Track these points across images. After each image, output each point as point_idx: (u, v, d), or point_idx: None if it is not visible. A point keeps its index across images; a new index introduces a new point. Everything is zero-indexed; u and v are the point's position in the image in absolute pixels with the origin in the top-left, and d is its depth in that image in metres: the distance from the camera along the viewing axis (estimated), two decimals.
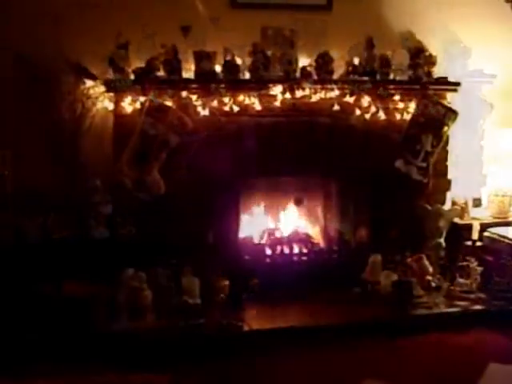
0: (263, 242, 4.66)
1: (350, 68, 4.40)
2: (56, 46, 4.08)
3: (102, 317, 3.77)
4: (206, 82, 4.16)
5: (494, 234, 4.52)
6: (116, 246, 4.02)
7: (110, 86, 4.02)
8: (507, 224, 4.69)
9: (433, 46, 4.61)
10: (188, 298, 3.94)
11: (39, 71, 4.03)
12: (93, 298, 3.76)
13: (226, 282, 4.15)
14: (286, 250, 4.62)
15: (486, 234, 4.58)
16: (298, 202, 4.72)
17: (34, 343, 3.55)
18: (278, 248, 4.60)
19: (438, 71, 4.58)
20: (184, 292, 3.97)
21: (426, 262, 4.41)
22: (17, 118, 4.10)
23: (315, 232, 4.87)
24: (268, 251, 4.58)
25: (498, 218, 4.82)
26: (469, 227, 4.65)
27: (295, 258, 4.61)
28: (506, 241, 4.40)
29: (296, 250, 4.63)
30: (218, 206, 4.30)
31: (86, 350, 3.56)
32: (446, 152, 4.67)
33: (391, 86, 4.47)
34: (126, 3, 4.25)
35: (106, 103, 4.20)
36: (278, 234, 4.71)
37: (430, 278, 4.35)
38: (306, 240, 4.72)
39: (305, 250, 4.64)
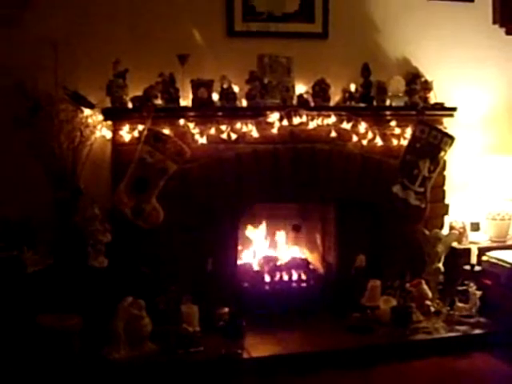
0: (262, 268, 4.64)
1: (347, 95, 4.44)
2: (55, 74, 4.09)
3: (99, 345, 3.76)
4: (203, 110, 4.19)
5: (493, 257, 4.52)
6: (115, 274, 4.02)
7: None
8: (505, 248, 4.69)
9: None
10: (187, 325, 3.93)
11: (38, 99, 4.03)
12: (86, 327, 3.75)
13: (226, 310, 4.15)
14: (285, 277, 4.60)
15: (484, 257, 4.57)
16: (297, 229, 4.73)
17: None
18: (277, 274, 4.59)
19: None
20: (183, 320, 3.95)
21: (425, 287, 4.39)
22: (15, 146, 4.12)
23: (314, 258, 4.87)
24: (267, 278, 4.56)
25: (496, 241, 4.83)
26: (467, 251, 4.67)
27: (294, 285, 4.59)
28: (505, 264, 4.40)
29: (295, 276, 4.61)
30: (216, 233, 4.30)
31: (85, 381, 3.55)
32: (443, 177, 4.69)
33: (387, 112, 4.52)
34: (124, 32, 4.29)
35: (104, 132, 4.21)
36: (276, 261, 4.70)
37: (429, 302, 4.33)
38: (304, 266, 4.72)
39: (304, 277, 4.62)
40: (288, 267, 4.66)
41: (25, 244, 3.94)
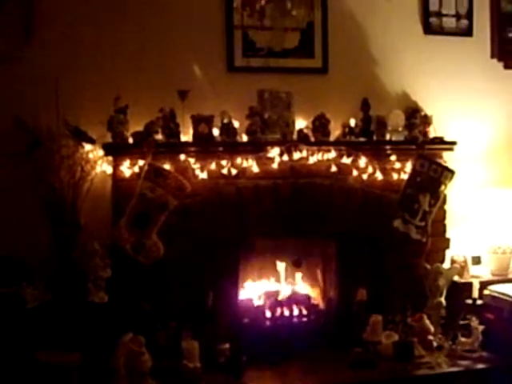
0: (263, 304, 4.60)
1: (347, 129, 4.46)
2: (56, 109, 4.11)
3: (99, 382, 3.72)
4: (204, 146, 4.22)
5: (495, 291, 4.49)
6: (115, 310, 3.99)
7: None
8: (507, 281, 4.66)
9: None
10: (188, 361, 3.90)
11: (39, 135, 4.04)
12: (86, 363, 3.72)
13: (226, 345, 4.12)
14: (286, 312, 4.56)
15: (486, 291, 4.55)
16: (298, 264, 4.72)
17: None
18: (278, 310, 4.55)
19: None
20: (184, 356, 3.92)
21: (427, 322, 4.36)
22: (14, 182, 4.12)
23: (315, 293, 4.83)
24: (268, 313, 4.53)
25: (498, 275, 4.80)
26: (469, 285, 4.65)
27: (295, 320, 4.55)
28: (507, 298, 4.37)
29: (296, 311, 4.57)
30: (217, 268, 4.29)
31: None
32: (444, 211, 4.69)
33: (387, 147, 4.54)
34: (124, 68, 4.33)
35: (104, 167, 4.22)
36: (277, 296, 4.67)
37: (431, 337, 4.30)
38: (305, 302, 4.67)
39: (305, 312, 4.58)
40: (289, 302, 4.61)
41: (24, 279, 3.92)
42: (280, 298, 4.67)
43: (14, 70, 4.16)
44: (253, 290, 4.69)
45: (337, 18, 4.70)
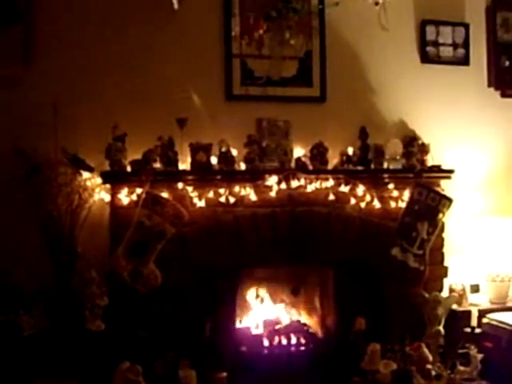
0: (261, 332, 4.60)
1: (345, 158, 4.48)
2: (54, 137, 4.13)
3: None
4: (202, 174, 4.22)
5: (493, 319, 4.47)
6: (112, 338, 3.97)
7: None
8: (506, 309, 4.65)
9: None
10: None
11: (37, 162, 4.05)
12: None
13: (224, 374, 4.09)
14: (284, 341, 4.56)
15: (484, 320, 4.53)
16: (296, 292, 4.71)
17: None
18: (276, 339, 4.54)
19: None
20: None
21: (426, 350, 4.32)
22: (12, 208, 4.11)
23: (313, 322, 4.83)
24: (266, 342, 4.53)
25: (497, 303, 4.79)
26: (467, 314, 4.63)
27: (293, 349, 4.55)
28: (506, 327, 4.35)
29: (294, 340, 4.57)
30: (215, 296, 4.28)
31: None
32: (442, 239, 4.68)
33: (385, 175, 4.54)
34: (123, 96, 4.35)
35: (102, 195, 4.22)
36: (275, 325, 4.66)
37: (430, 366, 4.25)
38: (303, 330, 4.68)
39: (303, 341, 4.58)
40: (287, 331, 4.62)
41: (21, 307, 3.91)
42: (278, 326, 4.67)
43: (14, 95, 4.19)
44: (251, 319, 4.68)
45: (335, 47, 4.73)
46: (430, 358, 4.33)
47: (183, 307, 4.18)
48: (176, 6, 4.28)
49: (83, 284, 4.04)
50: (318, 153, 4.39)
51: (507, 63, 5.15)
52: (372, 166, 4.55)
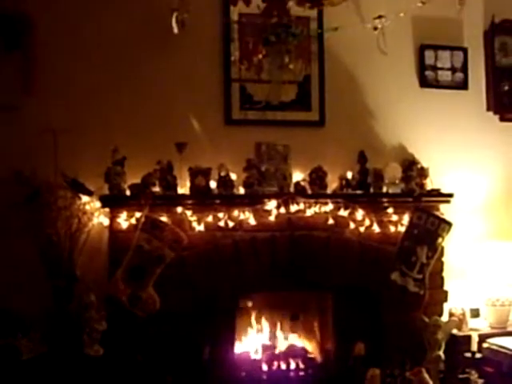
0: (260, 357, 4.57)
1: (344, 182, 4.48)
2: (54, 161, 4.14)
3: None
4: (201, 198, 4.22)
5: (494, 344, 4.46)
6: (110, 363, 3.95)
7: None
8: (506, 334, 4.63)
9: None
10: None
11: (37, 186, 4.05)
12: None
13: None
14: (283, 366, 4.53)
15: (485, 344, 4.51)
16: (295, 317, 4.69)
17: None
18: (275, 363, 4.52)
19: None
20: None
21: (426, 375, 4.29)
22: (11, 232, 4.10)
23: (312, 347, 4.80)
24: (264, 367, 4.50)
25: (497, 328, 4.76)
26: (467, 338, 4.60)
27: (292, 374, 4.52)
28: (506, 351, 4.33)
29: (293, 365, 4.55)
30: (213, 321, 4.25)
31: None
32: (442, 263, 4.67)
33: (384, 199, 4.54)
34: (122, 120, 4.37)
35: (101, 218, 4.23)
36: (274, 350, 4.64)
37: None
38: (302, 355, 4.65)
39: (302, 366, 4.55)
40: (286, 356, 4.60)
41: (20, 331, 3.91)
42: (277, 351, 4.65)
43: (14, 120, 4.21)
44: (250, 344, 4.65)
45: (333, 72, 4.76)
46: (431, 383, 4.30)
47: (182, 331, 4.16)
48: (176, 30, 4.29)
49: (82, 308, 4.03)
50: (317, 177, 4.40)
51: (506, 87, 5.17)
52: (371, 190, 4.54)
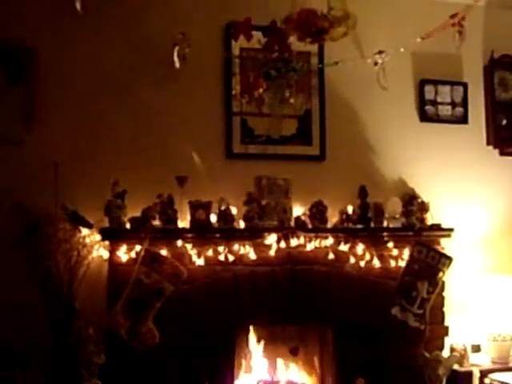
0: None
1: (344, 216, 4.48)
2: (54, 194, 4.12)
3: None
4: (201, 232, 4.22)
5: (495, 380, 4.42)
6: None
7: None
8: (508, 369, 4.59)
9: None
10: None
11: (37, 219, 4.04)
12: None
13: None
14: None
15: (486, 380, 4.47)
16: (295, 351, 4.66)
17: None
18: None
19: None
20: None
21: None
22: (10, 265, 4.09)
23: (312, 381, 4.74)
24: None
25: (498, 363, 4.72)
26: (469, 374, 4.56)
27: None
28: None
29: None
30: (213, 356, 4.22)
31: None
32: (442, 298, 4.64)
33: (385, 234, 4.54)
34: (123, 153, 4.38)
35: (101, 251, 4.21)
36: None
37: None
38: None
39: None
40: None
41: (17, 364, 3.87)
42: None
43: (15, 152, 4.22)
44: (249, 378, 4.61)
45: (334, 106, 4.79)
46: None
47: (181, 366, 4.13)
48: (177, 64, 4.33)
49: (80, 341, 4.00)
50: (318, 211, 4.40)
51: (505, 122, 5.19)
52: (372, 225, 4.55)
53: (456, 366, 4.55)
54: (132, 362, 4.05)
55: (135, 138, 4.42)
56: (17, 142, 4.25)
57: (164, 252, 4.13)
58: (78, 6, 3.92)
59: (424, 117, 5.01)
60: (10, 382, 3.79)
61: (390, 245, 4.53)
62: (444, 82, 5.06)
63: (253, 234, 4.27)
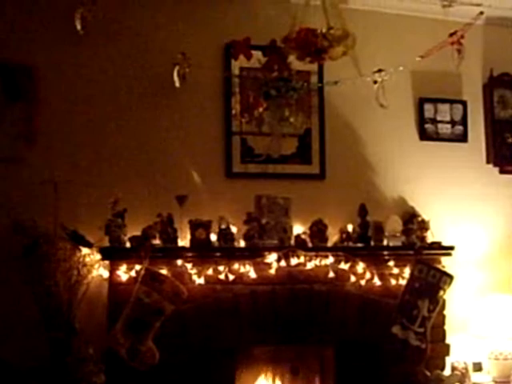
0: None
1: (344, 235, 4.47)
2: (54, 213, 4.12)
3: None
4: (201, 251, 4.21)
5: None
6: None
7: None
8: None
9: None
10: None
11: (37, 238, 4.04)
12: None
13: None
14: None
15: None
16: (295, 371, 4.64)
17: None
18: None
19: None
20: None
21: None
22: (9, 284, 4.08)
23: None
24: None
25: (500, 381, 4.69)
26: None
27: None
28: None
29: None
30: (213, 375, 4.21)
31: None
32: (443, 316, 4.63)
33: (385, 252, 4.53)
34: (123, 172, 4.39)
35: (101, 271, 4.20)
36: None
37: None
38: None
39: None
40: None
41: (16, 383, 3.86)
42: None
43: (15, 171, 4.22)
44: None
45: (334, 125, 4.80)
46: None
47: None
48: (177, 83, 4.35)
49: (80, 361, 3.98)
50: (318, 230, 4.39)
51: (506, 140, 5.20)
52: (372, 243, 4.54)
53: None
54: (132, 382, 4.02)
55: (135, 157, 4.43)
56: (16, 160, 4.24)
57: (164, 271, 4.12)
58: (79, 26, 3.98)
59: (424, 135, 5.02)
60: None
61: (391, 263, 4.52)
62: (443, 101, 5.07)
63: (253, 253, 4.26)
